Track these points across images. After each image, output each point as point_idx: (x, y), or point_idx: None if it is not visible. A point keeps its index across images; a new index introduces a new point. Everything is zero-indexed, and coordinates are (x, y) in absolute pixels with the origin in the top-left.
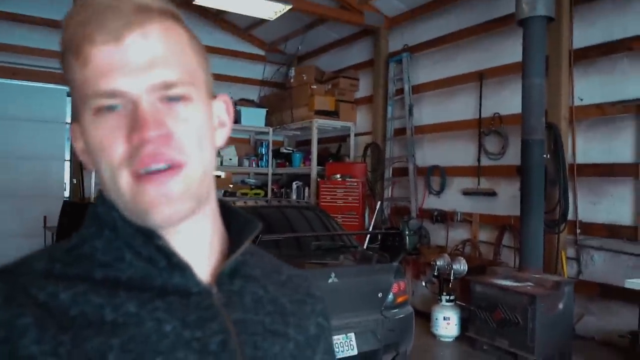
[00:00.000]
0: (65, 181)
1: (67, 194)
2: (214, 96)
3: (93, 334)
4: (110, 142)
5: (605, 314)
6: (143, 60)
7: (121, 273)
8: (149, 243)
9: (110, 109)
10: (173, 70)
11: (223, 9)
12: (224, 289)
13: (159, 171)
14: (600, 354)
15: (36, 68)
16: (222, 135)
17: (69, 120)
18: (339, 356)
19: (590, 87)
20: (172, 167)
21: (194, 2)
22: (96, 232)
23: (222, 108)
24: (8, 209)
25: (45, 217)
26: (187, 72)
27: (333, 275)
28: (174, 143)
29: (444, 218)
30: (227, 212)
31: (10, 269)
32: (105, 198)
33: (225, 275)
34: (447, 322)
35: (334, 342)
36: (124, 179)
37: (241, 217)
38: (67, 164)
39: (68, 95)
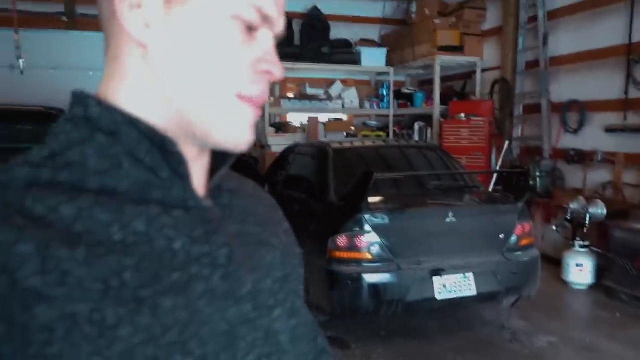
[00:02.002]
0: None
1: None
2: None
3: (105, 253)
4: (238, 57)
5: None
6: (284, 4)
7: (118, 182)
8: (155, 149)
9: (252, 28)
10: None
11: None
12: (217, 202)
13: (258, 100)
14: None
15: None
16: None
17: None
18: (456, 295)
19: None
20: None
21: None
22: (85, 137)
23: None
24: None
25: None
26: None
27: (451, 214)
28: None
29: (581, 158)
30: None
31: None
32: (103, 99)
33: (215, 188)
34: (580, 269)
35: (452, 280)
36: (230, 95)
37: None
38: None
39: None
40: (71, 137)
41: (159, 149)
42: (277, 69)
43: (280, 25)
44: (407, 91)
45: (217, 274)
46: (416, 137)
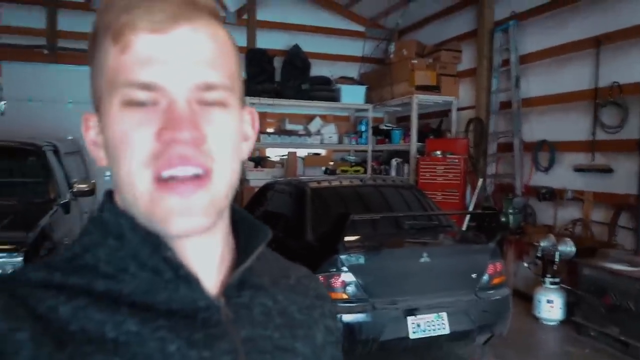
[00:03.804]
0: None
1: None
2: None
3: (93, 352)
4: (137, 137)
5: None
6: (187, 56)
7: (124, 285)
8: (155, 253)
9: (143, 104)
10: (217, 72)
11: None
12: (233, 302)
13: (184, 180)
14: None
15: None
16: (246, 149)
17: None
18: (430, 334)
19: None
20: (199, 177)
21: None
22: (100, 240)
23: (248, 120)
24: None
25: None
26: (228, 76)
27: (425, 254)
28: (205, 148)
29: (552, 196)
30: (236, 216)
31: (8, 279)
32: (113, 203)
33: (233, 286)
34: (550, 305)
35: (426, 320)
36: (145, 180)
37: (251, 224)
38: None
39: None
40: (91, 240)
41: (158, 254)
42: (180, 132)
43: (180, 85)
44: (385, 127)
45: None
46: (393, 173)
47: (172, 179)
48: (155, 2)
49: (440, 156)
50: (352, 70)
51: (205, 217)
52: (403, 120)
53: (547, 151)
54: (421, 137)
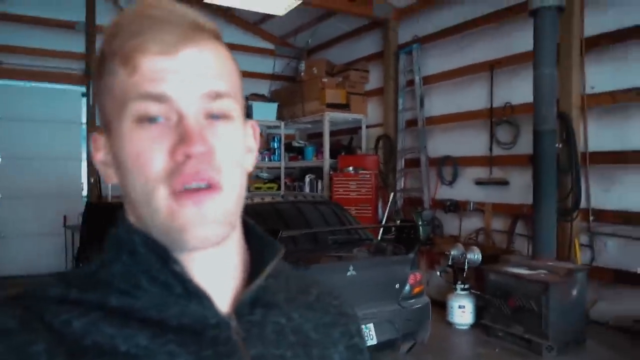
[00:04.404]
0: (82, 181)
1: (84, 193)
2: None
3: None
4: (151, 155)
5: (619, 299)
6: (195, 69)
7: (136, 300)
8: (165, 268)
9: (153, 120)
10: (222, 81)
11: (234, 6)
12: (244, 320)
13: (198, 190)
14: (614, 338)
15: (52, 69)
16: (250, 160)
17: (84, 120)
18: None
19: (602, 75)
20: (211, 188)
21: (204, 1)
22: (115, 257)
23: (250, 133)
24: (28, 209)
25: (65, 217)
26: (232, 88)
27: (351, 268)
28: (214, 162)
29: (456, 208)
30: (249, 232)
31: (26, 294)
32: (126, 220)
33: (246, 304)
34: (462, 311)
35: None
36: (161, 195)
37: (263, 239)
38: (84, 164)
39: (83, 96)
40: (108, 257)
41: (167, 268)
42: (193, 147)
43: (189, 93)
44: (297, 144)
45: None
46: (307, 189)
47: (186, 190)
48: (163, 27)
49: (352, 172)
50: (263, 87)
51: (219, 227)
52: (314, 137)
53: (450, 166)
54: (333, 154)
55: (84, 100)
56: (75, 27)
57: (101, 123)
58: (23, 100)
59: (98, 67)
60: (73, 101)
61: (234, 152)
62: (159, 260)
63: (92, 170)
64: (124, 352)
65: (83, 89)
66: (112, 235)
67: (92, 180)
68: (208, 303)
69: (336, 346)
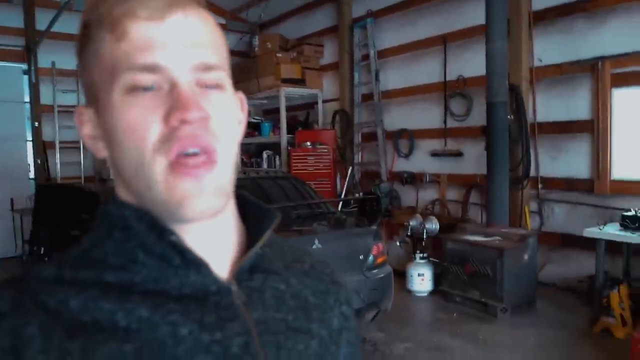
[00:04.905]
0: (29, 162)
1: (32, 175)
2: None
3: (104, 340)
4: (145, 123)
5: (566, 261)
6: (185, 39)
7: (134, 275)
8: (162, 240)
9: (146, 89)
10: (213, 53)
11: None
12: (244, 285)
13: (195, 157)
14: (562, 298)
15: None
16: (240, 131)
17: (27, 99)
18: None
19: (549, 48)
20: (207, 161)
21: None
22: (106, 234)
23: (238, 104)
24: None
25: (12, 200)
26: (221, 59)
27: (317, 241)
28: (210, 128)
29: (413, 180)
30: (243, 203)
31: (20, 277)
32: (116, 196)
33: (245, 270)
34: (421, 278)
35: None
36: (159, 166)
37: (258, 208)
38: (30, 145)
39: (24, 74)
40: (98, 235)
41: (164, 239)
42: (189, 112)
43: (181, 64)
44: (253, 120)
45: None
46: (265, 165)
47: (185, 163)
48: None
49: (310, 147)
50: None
51: (216, 198)
52: (270, 113)
53: (406, 139)
54: (290, 130)
55: (26, 78)
56: (13, 1)
57: (87, 95)
58: None
59: (82, 38)
60: (14, 79)
61: (229, 121)
62: (154, 233)
63: (38, 150)
64: (124, 327)
65: (24, 66)
66: (102, 212)
67: (39, 162)
68: (207, 271)
69: (333, 310)
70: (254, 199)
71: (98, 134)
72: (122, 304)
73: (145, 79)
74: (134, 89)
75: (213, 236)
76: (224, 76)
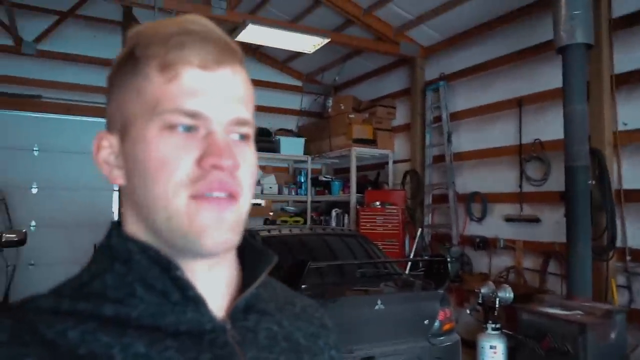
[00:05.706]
0: (113, 210)
1: None
2: None
3: None
4: (177, 160)
5: None
6: (228, 93)
7: (132, 309)
8: (164, 275)
9: (187, 129)
10: (247, 109)
11: (264, 44)
12: (238, 325)
13: (219, 193)
14: None
15: (87, 104)
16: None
17: None
18: None
19: (634, 112)
20: (230, 198)
21: (235, 39)
22: (107, 267)
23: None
24: (60, 238)
25: (95, 245)
26: (251, 114)
27: (379, 302)
28: (236, 177)
29: (486, 245)
30: (243, 242)
31: (18, 306)
32: (120, 230)
33: (240, 310)
34: (493, 351)
35: None
36: (182, 198)
37: (256, 249)
38: (115, 194)
39: None
40: (98, 267)
41: (167, 274)
42: (223, 160)
43: (221, 116)
44: (324, 179)
45: None
46: (333, 223)
47: (208, 197)
48: (204, 43)
49: (379, 207)
50: (291, 122)
51: (233, 233)
52: (340, 172)
53: (479, 202)
54: (359, 189)
55: None
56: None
57: (112, 122)
58: (58, 133)
59: (123, 67)
60: None
61: (253, 171)
62: (157, 266)
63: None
64: None
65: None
66: (103, 245)
67: (122, 210)
68: (204, 309)
69: (323, 354)
70: (252, 239)
71: (119, 163)
72: (119, 338)
73: (187, 121)
74: (173, 127)
75: (214, 274)
76: (251, 130)
